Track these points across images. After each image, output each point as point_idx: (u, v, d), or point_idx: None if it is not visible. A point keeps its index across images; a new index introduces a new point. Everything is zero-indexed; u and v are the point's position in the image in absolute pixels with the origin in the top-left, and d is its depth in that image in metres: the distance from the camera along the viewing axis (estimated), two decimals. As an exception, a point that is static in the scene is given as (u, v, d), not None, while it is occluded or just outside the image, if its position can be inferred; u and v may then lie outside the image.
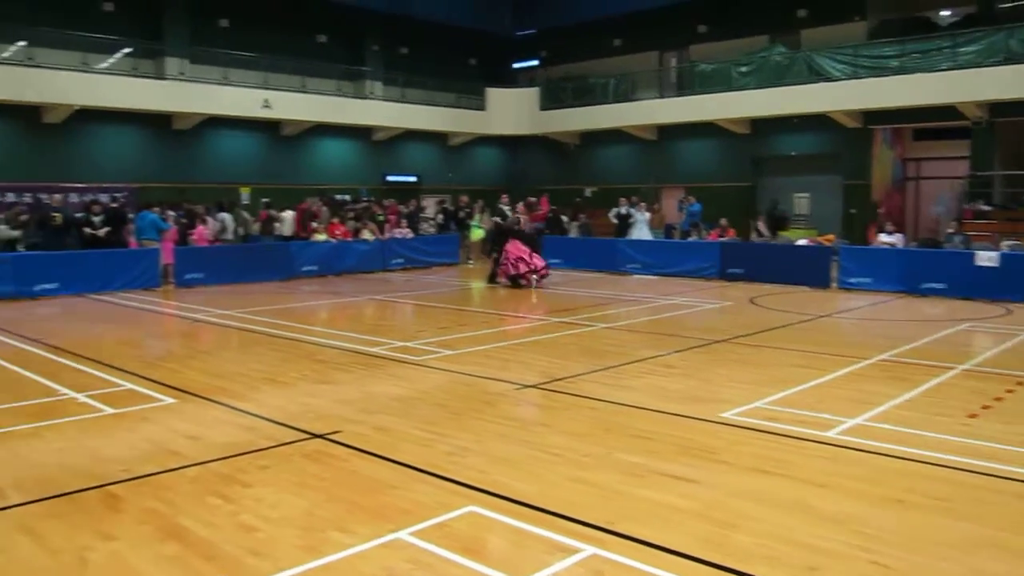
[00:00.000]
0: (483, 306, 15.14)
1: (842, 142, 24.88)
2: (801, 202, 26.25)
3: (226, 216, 20.05)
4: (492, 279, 18.01)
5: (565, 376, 8.45)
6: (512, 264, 17.26)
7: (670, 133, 28.76)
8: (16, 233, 16.41)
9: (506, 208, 20.36)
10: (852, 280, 16.09)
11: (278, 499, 4.99)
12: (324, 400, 7.55)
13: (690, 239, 20.92)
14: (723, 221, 20.97)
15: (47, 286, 15.45)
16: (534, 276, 17.17)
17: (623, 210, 21.72)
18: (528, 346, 10.34)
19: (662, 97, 27.87)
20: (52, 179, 21.57)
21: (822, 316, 13.04)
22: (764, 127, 26.40)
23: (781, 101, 24.17)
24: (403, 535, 4.41)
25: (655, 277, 18.74)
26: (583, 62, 31.07)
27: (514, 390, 7.90)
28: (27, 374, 8.72)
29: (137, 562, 4.12)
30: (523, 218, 19.85)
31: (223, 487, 5.20)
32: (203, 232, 18.72)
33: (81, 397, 7.67)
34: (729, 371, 8.71)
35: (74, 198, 21.10)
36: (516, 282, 17.28)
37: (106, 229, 17.14)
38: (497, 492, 5.06)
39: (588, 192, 30.70)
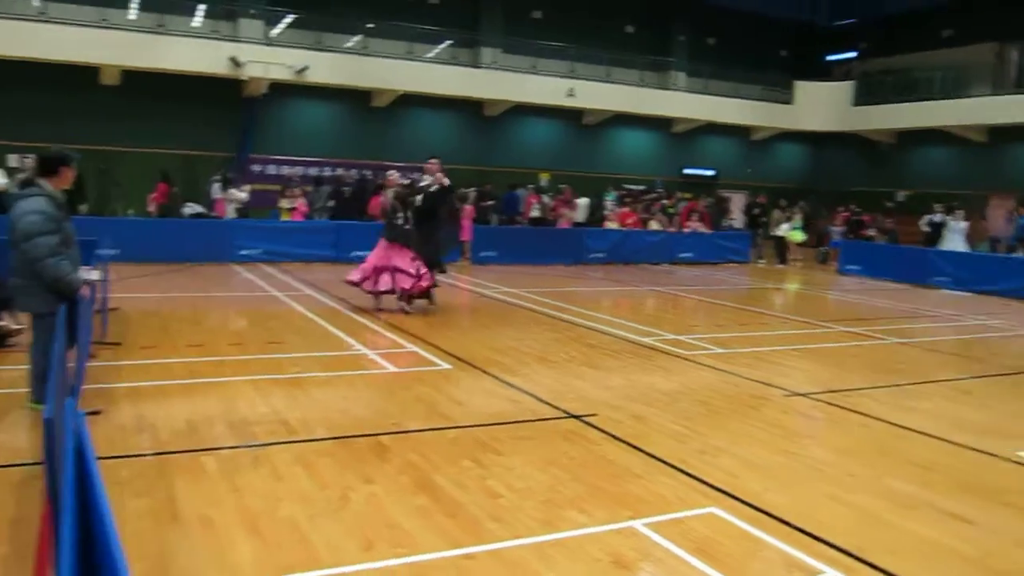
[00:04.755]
0: (765, 307, 14.54)
1: None
2: None
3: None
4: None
5: (842, 388, 7.90)
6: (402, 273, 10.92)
7: (1005, 135, 25.75)
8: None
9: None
10: None
11: (526, 471, 5.15)
12: (588, 383, 7.67)
13: (1016, 254, 18.63)
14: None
15: (360, 253, 17.05)
16: (407, 300, 11.11)
17: (937, 218, 19.81)
18: (807, 353, 9.79)
19: (997, 94, 25.00)
20: (375, 158, 23.78)
21: None
22: None
23: None
24: (637, 524, 4.38)
25: (967, 294, 16.91)
26: (906, 54, 28.65)
27: (783, 396, 7.53)
28: (332, 330, 9.73)
29: (390, 507, 4.47)
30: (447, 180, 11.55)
31: (478, 452, 5.47)
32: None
33: (371, 354, 8.43)
34: (1040, 405, 7.67)
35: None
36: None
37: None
38: (744, 498, 4.86)
39: (901, 196, 28.39)
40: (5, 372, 7.01)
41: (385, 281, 10.94)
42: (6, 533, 4.00)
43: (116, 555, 1.74)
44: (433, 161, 11.61)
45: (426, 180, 11.57)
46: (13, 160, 18.25)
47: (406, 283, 10.91)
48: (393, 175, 11.96)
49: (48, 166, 5.80)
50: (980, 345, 11.16)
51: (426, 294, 11.39)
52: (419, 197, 11.27)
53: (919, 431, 6.55)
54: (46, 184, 5.73)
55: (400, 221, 11.08)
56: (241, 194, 18.39)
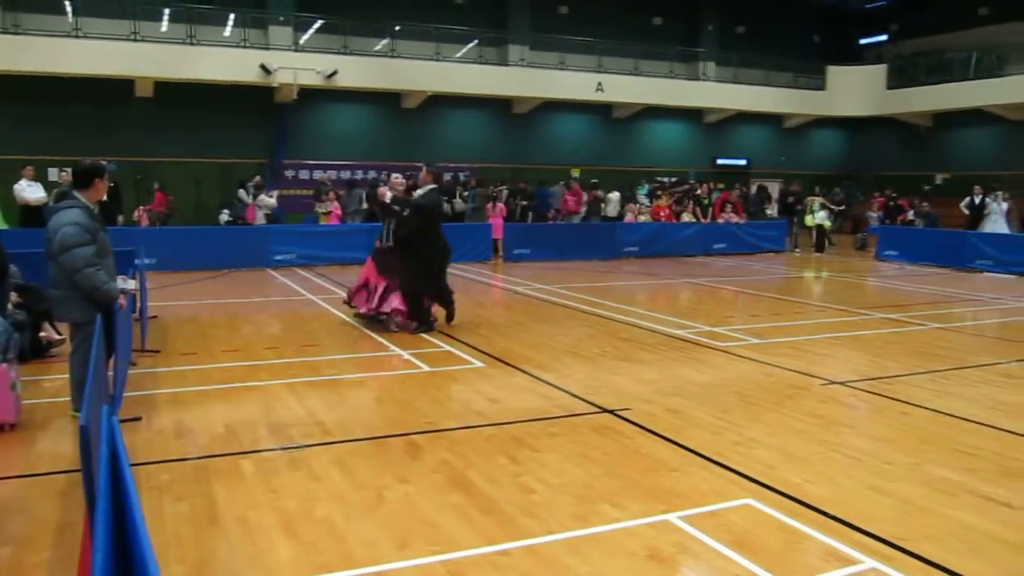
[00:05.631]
0: (802, 296, 14.38)
1: None
2: None
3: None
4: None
5: (881, 376, 7.79)
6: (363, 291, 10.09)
7: (1045, 113, 25.22)
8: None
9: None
10: None
11: (560, 467, 5.15)
12: (622, 377, 7.65)
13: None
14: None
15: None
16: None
17: (977, 199, 19.44)
18: (845, 341, 9.67)
19: (1037, 72, 24.48)
20: (406, 159, 23.86)
21: None
22: None
23: None
24: (672, 518, 4.36)
25: (1011, 276, 16.58)
26: (940, 35, 28.16)
27: (820, 385, 7.44)
28: (367, 331, 9.79)
29: (425, 506, 4.49)
30: (389, 193, 10.04)
31: (512, 449, 5.48)
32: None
33: (405, 354, 8.47)
34: (1086, 388, 7.50)
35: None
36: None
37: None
38: (781, 489, 4.81)
39: (939, 179, 27.91)
40: (49, 382, 7.17)
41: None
42: (52, 539, 4.09)
43: (148, 557, 1.78)
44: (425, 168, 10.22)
45: (420, 191, 9.98)
46: (52, 174, 18.60)
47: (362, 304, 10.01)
48: (396, 178, 10.57)
49: (82, 178, 5.91)
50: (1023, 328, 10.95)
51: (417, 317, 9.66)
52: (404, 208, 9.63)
53: (960, 417, 6.44)
54: (81, 196, 5.84)
55: (377, 239, 10.10)
56: (270, 200, 18.59)
